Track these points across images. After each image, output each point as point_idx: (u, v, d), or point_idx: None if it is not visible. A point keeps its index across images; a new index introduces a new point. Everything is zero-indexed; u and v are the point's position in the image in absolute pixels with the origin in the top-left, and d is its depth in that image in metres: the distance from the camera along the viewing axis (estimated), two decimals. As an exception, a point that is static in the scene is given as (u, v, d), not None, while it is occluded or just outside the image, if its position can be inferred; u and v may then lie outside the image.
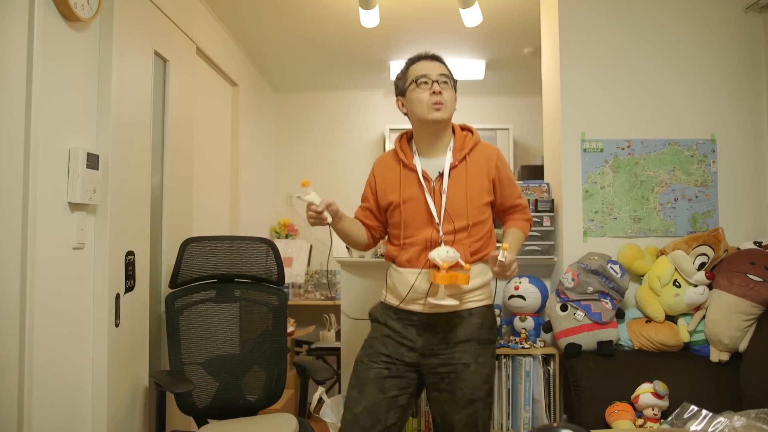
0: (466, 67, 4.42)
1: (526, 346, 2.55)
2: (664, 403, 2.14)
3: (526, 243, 2.73)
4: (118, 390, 2.02)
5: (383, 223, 2.01)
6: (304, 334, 4.27)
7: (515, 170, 4.88)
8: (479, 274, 1.87)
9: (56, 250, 1.72)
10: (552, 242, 2.76)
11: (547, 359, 2.54)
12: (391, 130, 4.94)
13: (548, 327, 2.57)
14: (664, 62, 2.75)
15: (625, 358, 2.41)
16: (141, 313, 2.24)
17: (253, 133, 4.44)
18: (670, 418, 1.86)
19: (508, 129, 5.12)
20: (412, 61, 1.93)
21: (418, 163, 1.89)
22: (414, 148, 1.94)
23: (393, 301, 1.90)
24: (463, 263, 1.76)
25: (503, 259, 1.71)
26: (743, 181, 2.73)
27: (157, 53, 2.39)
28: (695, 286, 2.40)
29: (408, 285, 1.83)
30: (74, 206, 1.80)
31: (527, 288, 2.65)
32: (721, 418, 1.66)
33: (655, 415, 2.13)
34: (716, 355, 2.32)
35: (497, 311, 2.68)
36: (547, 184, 2.87)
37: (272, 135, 5.12)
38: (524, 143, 5.23)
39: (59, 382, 1.74)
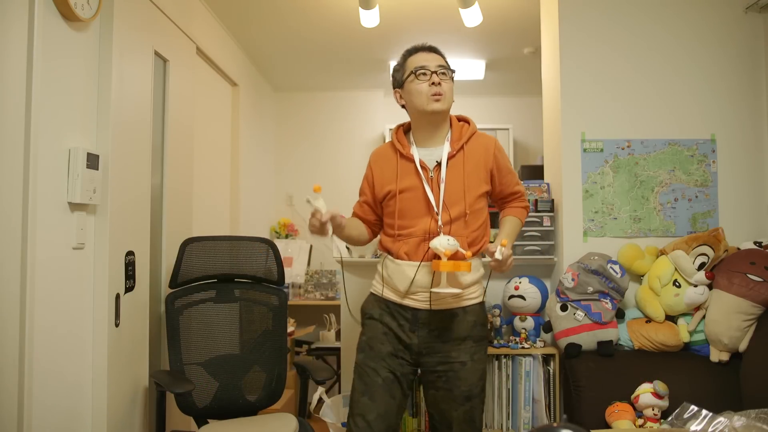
0: (466, 67, 4.41)
1: (526, 346, 2.55)
2: (664, 403, 2.14)
3: (526, 243, 2.73)
4: (118, 390, 2.02)
5: (381, 216, 2.00)
6: (304, 334, 4.26)
7: (515, 170, 4.88)
8: (474, 270, 1.87)
9: (56, 250, 1.72)
10: (552, 242, 2.76)
11: (547, 359, 2.54)
12: (391, 130, 4.93)
13: (548, 327, 2.57)
14: (664, 62, 2.75)
15: (625, 358, 2.41)
16: (141, 313, 2.24)
17: (253, 133, 4.44)
18: (670, 418, 1.86)
19: (508, 129, 5.12)
20: (409, 53, 1.93)
21: (416, 152, 1.89)
22: (411, 139, 1.94)
23: (390, 295, 1.88)
24: (463, 251, 1.76)
25: (500, 257, 1.72)
26: (743, 181, 2.73)
27: (157, 53, 2.39)
28: (695, 286, 2.40)
29: (406, 278, 1.83)
30: (74, 206, 1.80)
31: (527, 288, 2.65)
32: (721, 418, 1.66)
33: (655, 415, 2.13)
34: (716, 355, 2.32)
35: (497, 311, 2.68)
36: (547, 184, 2.87)
37: (272, 135, 5.12)
38: (524, 143, 5.23)
39: (59, 382, 1.74)
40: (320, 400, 2.51)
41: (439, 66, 1.86)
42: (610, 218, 2.70)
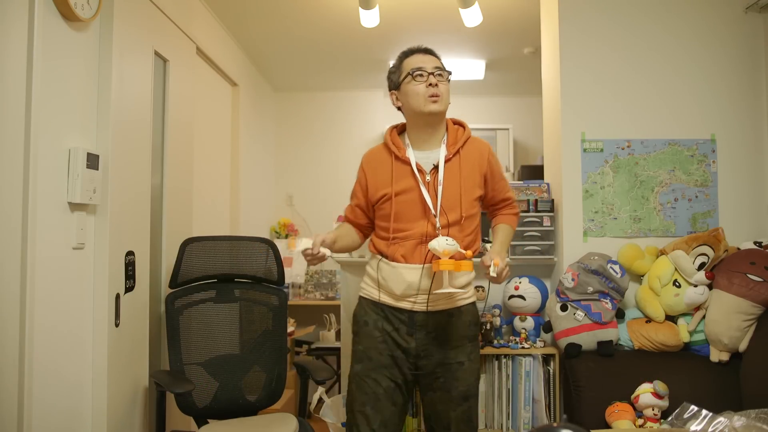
0: (466, 67, 4.41)
1: (526, 346, 2.55)
2: (664, 403, 2.14)
3: (526, 243, 2.74)
4: (118, 390, 2.02)
5: (373, 219, 1.98)
6: (304, 334, 4.27)
7: (515, 170, 4.88)
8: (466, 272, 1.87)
9: (56, 250, 1.72)
10: (552, 242, 2.76)
11: (547, 359, 2.54)
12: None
13: (548, 327, 2.57)
14: (664, 62, 2.75)
15: (625, 358, 2.42)
16: (141, 313, 2.24)
17: (253, 133, 4.44)
18: (670, 418, 1.86)
19: (508, 129, 5.12)
20: (405, 55, 1.92)
21: (412, 155, 1.87)
22: (407, 141, 1.92)
23: (386, 298, 1.87)
24: (463, 251, 1.76)
25: (494, 275, 1.72)
26: (743, 181, 2.73)
27: (157, 53, 2.39)
28: (695, 286, 2.40)
29: (402, 280, 1.82)
30: (74, 206, 1.80)
31: (527, 288, 2.65)
32: (721, 418, 1.66)
33: (655, 415, 2.13)
34: (716, 355, 2.32)
35: (497, 311, 2.69)
36: (547, 184, 2.87)
37: (272, 135, 5.12)
38: (524, 143, 5.23)
39: (59, 382, 1.74)
40: (320, 400, 2.51)
41: (436, 68, 1.86)
42: (610, 218, 2.70)
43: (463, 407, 1.83)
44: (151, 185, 2.33)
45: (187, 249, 2.37)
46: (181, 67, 2.65)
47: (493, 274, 1.72)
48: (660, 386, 2.13)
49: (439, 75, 1.86)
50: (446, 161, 1.86)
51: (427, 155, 1.88)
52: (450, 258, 1.73)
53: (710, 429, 1.65)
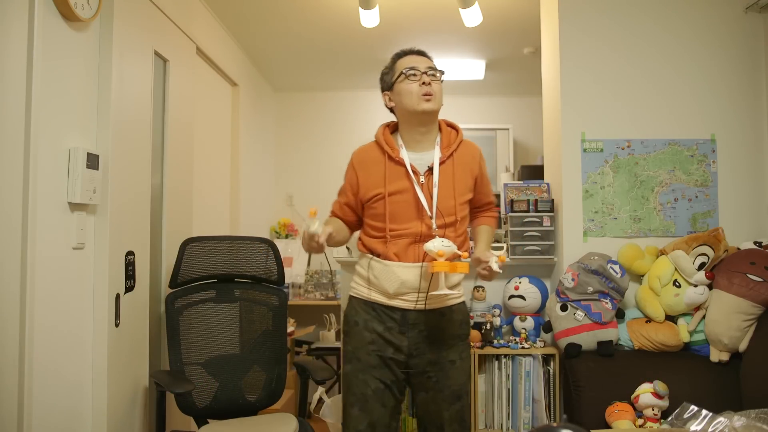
0: (466, 67, 4.41)
1: (526, 346, 2.55)
2: (664, 403, 2.14)
3: (526, 243, 2.74)
4: (118, 390, 2.02)
5: (361, 217, 1.98)
6: (304, 334, 4.26)
7: (515, 170, 4.88)
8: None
9: (56, 250, 1.72)
10: (552, 242, 2.76)
11: (547, 359, 2.54)
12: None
13: (548, 327, 2.57)
14: (664, 62, 2.75)
15: (625, 358, 2.42)
16: (141, 313, 2.24)
17: (253, 133, 4.44)
18: (670, 418, 1.86)
19: (508, 129, 5.12)
20: (398, 56, 1.93)
21: (406, 156, 1.87)
22: (399, 141, 1.92)
23: (378, 297, 1.86)
24: (460, 253, 1.77)
25: (500, 270, 1.73)
26: (743, 181, 2.73)
27: (157, 53, 2.39)
28: (695, 286, 2.40)
29: (396, 279, 1.81)
30: (74, 206, 1.80)
31: (527, 288, 2.65)
32: (721, 418, 1.66)
33: (655, 415, 2.13)
34: (716, 355, 2.32)
35: (497, 311, 2.69)
36: (547, 184, 2.87)
37: (272, 135, 5.12)
38: (524, 143, 5.23)
39: (59, 382, 1.74)
40: (320, 400, 2.51)
41: (429, 68, 1.87)
42: (610, 218, 2.70)
43: (456, 407, 1.84)
44: (151, 185, 2.33)
45: (187, 249, 2.37)
46: (181, 67, 2.65)
47: (497, 269, 1.72)
48: (660, 386, 2.13)
49: (432, 74, 1.86)
50: (440, 163, 1.86)
51: (421, 157, 1.88)
52: (446, 259, 1.73)
53: (710, 429, 1.65)
